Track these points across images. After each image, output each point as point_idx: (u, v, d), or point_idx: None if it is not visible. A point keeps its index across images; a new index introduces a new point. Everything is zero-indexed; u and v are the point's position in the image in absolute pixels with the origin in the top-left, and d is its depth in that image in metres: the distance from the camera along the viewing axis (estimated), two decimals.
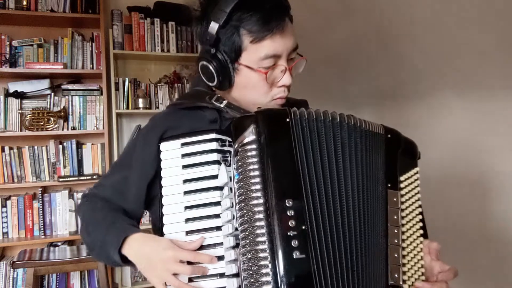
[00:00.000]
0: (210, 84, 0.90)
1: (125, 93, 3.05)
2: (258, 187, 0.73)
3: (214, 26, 0.83)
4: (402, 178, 0.83)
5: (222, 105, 0.89)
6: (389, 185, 0.81)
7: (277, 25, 0.82)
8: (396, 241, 0.77)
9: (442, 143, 2.04)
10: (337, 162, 0.77)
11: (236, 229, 0.74)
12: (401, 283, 0.76)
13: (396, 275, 0.76)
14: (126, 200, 0.91)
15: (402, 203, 0.81)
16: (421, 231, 0.81)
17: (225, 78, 0.87)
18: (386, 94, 2.29)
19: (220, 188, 0.77)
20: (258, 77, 0.85)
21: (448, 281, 0.79)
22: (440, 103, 1.98)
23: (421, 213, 0.83)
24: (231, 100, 0.92)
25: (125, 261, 0.81)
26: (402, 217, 0.80)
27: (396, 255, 0.76)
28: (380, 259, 0.75)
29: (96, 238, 0.86)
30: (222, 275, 0.74)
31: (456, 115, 1.91)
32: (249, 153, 0.75)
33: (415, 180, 0.84)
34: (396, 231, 0.78)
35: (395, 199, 0.80)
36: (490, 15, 1.45)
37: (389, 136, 0.84)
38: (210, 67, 0.86)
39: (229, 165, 0.78)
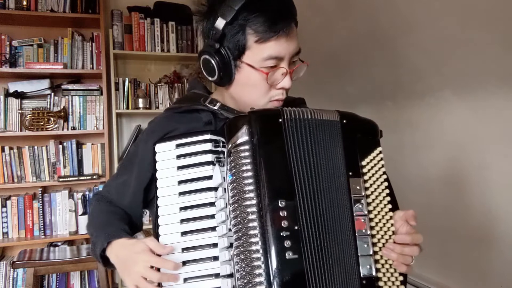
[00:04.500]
0: (210, 78, 0.91)
1: (125, 93, 3.05)
2: (251, 187, 0.73)
3: (221, 22, 0.84)
4: (364, 163, 0.80)
5: (215, 107, 0.91)
6: (350, 173, 0.79)
7: (283, 28, 0.83)
8: (364, 230, 0.76)
9: (441, 143, 2.03)
10: (314, 160, 0.78)
11: (230, 230, 0.74)
12: (374, 273, 0.75)
13: (368, 266, 0.75)
14: (126, 201, 0.97)
15: (367, 188, 0.79)
16: (391, 214, 0.79)
17: (226, 74, 0.88)
18: (385, 94, 2.28)
19: (215, 189, 0.78)
20: (259, 77, 0.86)
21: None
22: (439, 103, 1.97)
23: (388, 194, 0.80)
24: (228, 98, 0.95)
25: (109, 263, 0.86)
26: (369, 203, 0.78)
27: (365, 245, 0.76)
28: (349, 252, 0.75)
29: (91, 238, 0.92)
30: (217, 275, 0.74)
31: (455, 115, 1.91)
32: (242, 154, 0.75)
33: (379, 161, 0.81)
34: (362, 220, 0.77)
35: (358, 187, 0.78)
36: (490, 15, 1.45)
37: (344, 121, 0.83)
38: (212, 62, 0.87)
39: (223, 166, 0.78)
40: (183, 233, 0.77)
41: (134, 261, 0.76)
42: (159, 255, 0.76)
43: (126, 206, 0.98)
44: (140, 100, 3.04)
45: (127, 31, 3.03)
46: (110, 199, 1.00)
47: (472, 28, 1.55)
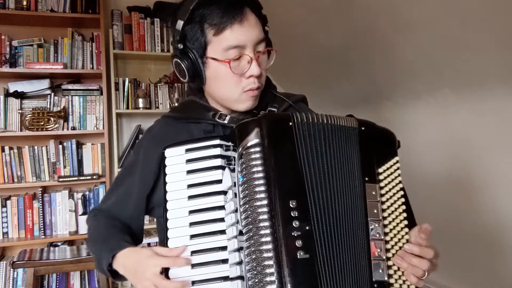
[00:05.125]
0: (183, 80, 0.93)
1: (125, 93, 3.05)
2: (262, 188, 0.74)
3: (180, 24, 0.87)
4: (380, 170, 0.82)
5: (226, 122, 0.92)
6: (366, 178, 0.80)
7: (235, 15, 0.84)
8: (378, 235, 0.77)
9: (440, 143, 2.03)
10: (327, 163, 0.79)
11: (241, 232, 0.75)
12: (386, 278, 0.75)
13: (380, 270, 0.75)
14: (128, 210, 0.97)
15: (382, 195, 0.80)
16: (405, 222, 0.80)
17: (196, 73, 0.90)
18: (384, 93, 2.28)
19: (224, 193, 0.79)
20: (225, 68, 0.87)
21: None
22: (438, 103, 1.97)
23: (404, 203, 0.81)
24: (210, 98, 0.97)
25: (118, 275, 0.86)
26: (384, 210, 0.79)
27: (379, 250, 0.76)
28: (362, 255, 0.76)
29: (94, 254, 0.92)
30: (226, 278, 0.74)
31: (454, 115, 1.91)
32: (253, 156, 0.76)
33: (396, 170, 0.83)
34: (377, 225, 0.77)
35: (373, 193, 0.79)
36: (489, 14, 1.44)
37: (363, 128, 0.84)
38: (181, 64, 0.90)
39: (233, 170, 0.79)
40: (192, 236, 0.78)
41: (143, 268, 0.77)
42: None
43: (127, 216, 0.97)
44: (140, 100, 3.04)
45: (127, 31, 3.03)
46: (108, 212, 0.99)
47: (471, 28, 1.55)
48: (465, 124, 1.87)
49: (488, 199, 1.83)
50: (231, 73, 0.86)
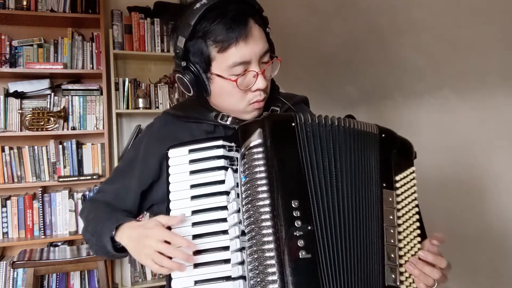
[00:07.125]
0: (188, 94, 0.92)
1: (125, 93, 3.05)
2: (265, 188, 0.74)
3: (181, 40, 0.86)
4: (397, 178, 0.83)
5: (228, 123, 0.93)
6: (384, 184, 0.81)
7: (239, 33, 0.83)
8: (392, 241, 0.78)
9: (442, 144, 2.03)
10: (335, 165, 0.79)
11: (243, 232, 0.75)
12: (398, 283, 0.76)
13: (393, 276, 0.76)
14: (125, 206, 0.97)
15: (398, 202, 0.81)
16: (418, 231, 0.81)
17: (200, 88, 0.90)
18: (385, 94, 2.28)
19: (227, 193, 0.79)
20: (230, 85, 0.86)
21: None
22: (439, 103, 1.97)
23: (418, 213, 0.83)
24: (214, 106, 0.96)
25: (119, 250, 0.85)
26: (398, 217, 0.80)
27: (392, 255, 0.77)
28: (376, 259, 0.76)
29: (94, 232, 0.90)
30: (228, 278, 0.74)
31: (455, 115, 1.91)
32: (255, 156, 0.76)
33: (411, 179, 0.84)
34: (392, 231, 0.78)
35: (390, 199, 0.80)
36: (491, 15, 1.45)
37: (383, 135, 0.85)
38: (185, 79, 0.89)
39: (236, 171, 0.79)
40: (195, 236, 0.78)
41: (147, 237, 0.77)
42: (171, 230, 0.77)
43: (127, 210, 0.97)
44: (140, 100, 3.04)
45: (127, 31, 3.03)
46: (108, 202, 0.98)
47: (472, 28, 1.55)
48: (466, 123, 1.87)
49: (490, 199, 1.83)
50: (237, 89, 0.86)
